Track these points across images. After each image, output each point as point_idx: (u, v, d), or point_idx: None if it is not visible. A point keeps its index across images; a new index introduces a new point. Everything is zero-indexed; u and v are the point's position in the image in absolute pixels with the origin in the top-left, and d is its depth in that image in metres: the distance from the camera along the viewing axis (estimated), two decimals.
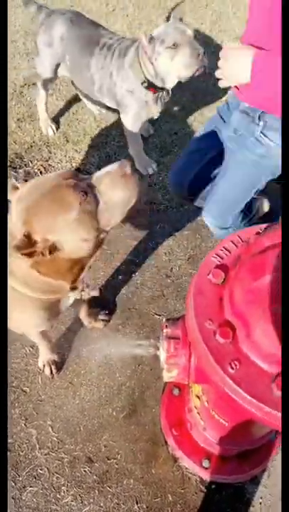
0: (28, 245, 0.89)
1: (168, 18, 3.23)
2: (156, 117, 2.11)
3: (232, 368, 0.74)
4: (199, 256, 1.97)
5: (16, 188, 0.98)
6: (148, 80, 1.86)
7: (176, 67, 1.79)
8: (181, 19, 1.83)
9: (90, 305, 1.62)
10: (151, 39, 1.73)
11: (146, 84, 1.87)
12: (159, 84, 1.87)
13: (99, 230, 0.99)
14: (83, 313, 1.64)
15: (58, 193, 0.93)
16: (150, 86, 1.88)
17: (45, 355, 1.58)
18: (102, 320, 1.71)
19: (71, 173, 0.98)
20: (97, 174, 1.00)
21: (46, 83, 2.24)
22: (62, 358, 1.64)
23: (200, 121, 2.57)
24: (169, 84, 1.89)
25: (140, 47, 1.83)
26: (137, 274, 1.91)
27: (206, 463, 1.35)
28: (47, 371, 1.59)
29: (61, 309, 1.25)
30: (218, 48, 3.10)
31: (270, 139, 1.38)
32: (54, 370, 1.59)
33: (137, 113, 2.02)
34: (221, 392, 0.77)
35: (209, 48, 2.96)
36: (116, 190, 0.98)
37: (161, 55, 1.76)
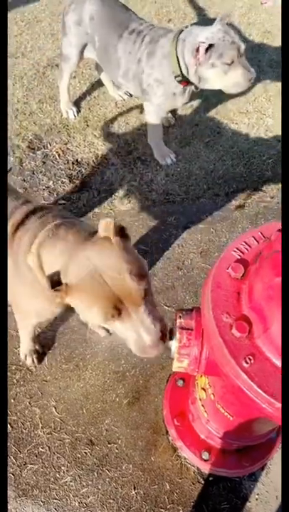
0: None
1: (197, 10, 3.17)
2: (180, 106, 2.09)
3: (246, 363, 0.74)
4: (212, 250, 1.96)
5: None
6: (182, 74, 1.84)
7: (225, 83, 1.83)
8: (229, 24, 1.80)
9: None
10: (208, 48, 1.71)
11: (180, 78, 1.86)
12: (194, 81, 1.86)
13: None
14: None
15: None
16: (183, 80, 1.86)
17: (27, 346, 1.56)
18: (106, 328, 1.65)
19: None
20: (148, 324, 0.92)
21: (70, 65, 2.22)
22: (43, 349, 1.63)
23: (222, 114, 2.54)
24: (206, 87, 1.89)
25: (180, 40, 1.80)
26: (148, 264, 1.90)
27: (205, 455, 1.36)
28: (29, 362, 1.58)
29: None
30: (246, 40, 3.05)
31: None
32: (36, 361, 1.58)
33: (161, 102, 2.00)
34: (232, 386, 0.77)
35: None
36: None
37: (215, 68, 1.77)
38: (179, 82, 1.88)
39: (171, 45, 1.83)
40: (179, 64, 1.82)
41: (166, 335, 0.93)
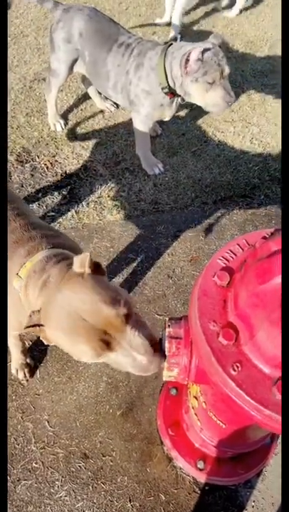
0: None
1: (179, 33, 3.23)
2: (167, 119, 2.12)
3: (234, 370, 0.74)
4: (202, 258, 1.98)
5: None
6: (169, 86, 1.87)
7: (206, 100, 1.86)
8: (220, 46, 1.82)
9: None
10: (198, 60, 1.73)
11: (166, 90, 1.89)
12: (180, 93, 1.89)
13: None
14: None
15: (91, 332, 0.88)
16: (170, 92, 1.90)
17: (17, 360, 1.55)
18: None
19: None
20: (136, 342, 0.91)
21: (58, 80, 2.24)
22: (35, 362, 1.62)
23: (208, 124, 2.58)
24: (190, 101, 1.92)
25: (169, 53, 1.83)
26: (138, 273, 1.91)
27: (200, 464, 1.36)
28: (20, 376, 1.57)
29: None
30: (230, 50, 3.11)
31: None
32: (28, 375, 1.57)
33: (149, 113, 2.03)
34: (221, 394, 0.78)
35: None
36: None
37: (197, 83, 1.80)
38: (166, 93, 1.91)
39: (159, 57, 1.86)
40: (166, 76, 1.85)
41: (158, 347, 0.93)
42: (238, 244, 0.91)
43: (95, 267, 0.94)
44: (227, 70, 1.80)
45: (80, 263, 0.93)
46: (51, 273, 0.98)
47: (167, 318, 1.00)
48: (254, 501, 1.39)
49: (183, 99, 1.95)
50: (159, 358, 0.92)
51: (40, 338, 0.93)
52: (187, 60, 1.75)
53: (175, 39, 3.11)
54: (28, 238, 1.12)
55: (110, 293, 0.90)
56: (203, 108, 1.92)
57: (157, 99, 1.95)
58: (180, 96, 1.93)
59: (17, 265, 1.06)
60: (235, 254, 0.89)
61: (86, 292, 0.89)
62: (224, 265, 0.88)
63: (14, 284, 1.03)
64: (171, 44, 1.87)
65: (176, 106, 2.03)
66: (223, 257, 0.89)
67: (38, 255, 1.05)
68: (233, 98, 1.85)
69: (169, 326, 0.98)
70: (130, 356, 0.90)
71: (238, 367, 0.74)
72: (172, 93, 1.91)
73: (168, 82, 1.87)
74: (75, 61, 2.15)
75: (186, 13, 3.48)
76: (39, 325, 0.91)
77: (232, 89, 1.86)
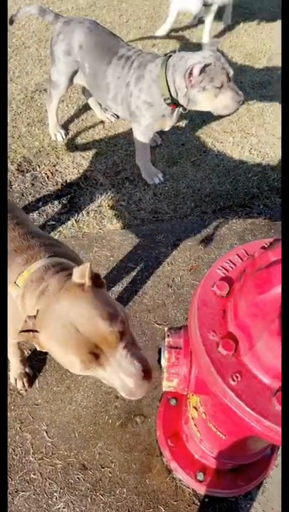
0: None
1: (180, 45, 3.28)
2: (167, 129, 2.14)
3: (233, 380, 0.74)
4: (202, 267, 1.98)
5: None
6: (172, 97, 1.90)
7: (215, 105, 1.89)
8: (218, 51, 1.87)
9: None
10: (202, 71, 1.76)
11: (169, 101, 1.92)
12: (183, 103, 1.91)
13: None
14: None
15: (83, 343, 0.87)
16: (172, 103, 1.92)
17: (16, 369, 1.54)
18: None
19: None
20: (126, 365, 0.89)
21: (59, 91, 2.27)
22: (34, 372, 1.62)
23: (207, 134, 2.60)
24: (195, 109, 1.94)
25: (170, 64, 1.86)
26: (138, 282, 1.92)
27: (200, 476, 1.34)
28: (19, 385, 1.56)
29: None
30: (228, 62, 3.15)
31: None
32: (26, 384, 1.57)
33: (150, 124, 2.05)
34: (220, 404, 0.78)
35: None
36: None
37: (206, 91, 1.83)
38: (168, 104, 1.94)
39: (160, 69, 1.89)
40: (168, 87, 1.88)
41: (150, 372, 0.91)
42: (237, 254, 0.92)
43: (95, 278, 0.95)
44: (232, 72, 1.84)
45: (81, 274, 0.93)
46: (50, 283, 0.98)
47: (166, 328, 1.00)
48: None
49: (185, 109, 1.97)
50: (148, 385, 0.90)
51: (33, 343, 0.93)
52: (190, 74, 1.77)
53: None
54: (26, 247, 1.13)
55: (108, 308, 0.90)
56: (212, 112, 1.94)
57: (159, 110, 1.97)
58: (182, 106, 1.95)
59: (15, 274, 1.06)
60: (234, 264, 0.90)
61: (84, 305, 0.89)
62: (223, 275, 0.88)
63: (12, 293, 1.04)
64: (171, 55, 1.89)
65: (176, 116, 2.06)
66: (222, 266, 0.90)
67: (35, 264, 1.05)
68: (242, 97, 1.89)
69: (168, 335, 0.98)
70: (119, 377, 0.89)
71: (237, 377, 0.74)
72: (175, 104, 1.94)
73: (170, 94, 1.89)
74: (75, 73, 2.17)
75: (185, 25, 3.53)
76: (33, 330, 0.91)
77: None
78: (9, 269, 1.08)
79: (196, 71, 1.76)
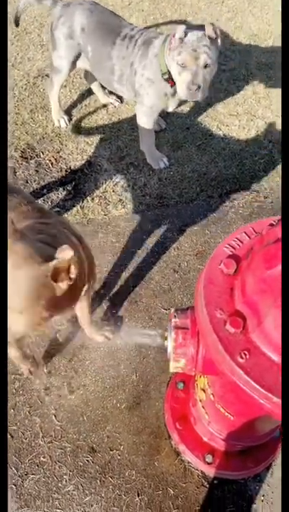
0: None
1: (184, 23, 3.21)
2: (170, 110, 2.11)
3: (242, 358, 0.73)
4: (208, 252, 1.96)
5: None
6: (169, 72, 1.85)
7: (178, 84, 1.84)
8: (210, 37, 1.76)
9: (91, 312, 1.55)
10: (180, 39, 1.72)
11: (166, 76, 1.87)
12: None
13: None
14: (85, 321, 1.56)
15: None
16: (170, 78, 1.87)
17: (18, 356, 1.51)
18: (104, 335, 1.63)
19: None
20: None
21: (61, 76, 2.23)
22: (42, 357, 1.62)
23: (212, 117, 2.56)
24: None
25: (168, 40, 1.82)
26: (144, 268, 1.90)
27: (209, 458, 1.34)
28: (26, 371, 1.57)
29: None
30: (234, 43, 3.08)
31: None
32: (32, 369, 1.56)
33: (153, 104, 2.01)
34: (229, 384, 0.77)
35: (225, 44, 2.95)
36: None
37: (173, 62, 1.79)
38: (166, 80, 1.89)
39: (162, 45, 1.85)
40: (166, 63, 1.84)
41: None
42: (245, 232, 0.90)
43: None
44: (203, 59, 1.73)
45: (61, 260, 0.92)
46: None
47: (173, 309, 0.99)
48: (263, 495, 1.38)
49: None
50: None
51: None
52: (173, 37, 1.74)
53: None
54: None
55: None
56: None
57: (160, 87, 1.93)
58: None
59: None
60: (241, 242, 0.88)
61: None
62: (231, 253, 0.87)
63: None
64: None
65: (179, 97, 2.01)
66: (229, 244, 0.88)
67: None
68: (194, 92, 1.77)
69: (175, 316, 0.97)
70: None
71: (245, 355, 0.73)
72: (172, 80, 1.89)
73: (168, 69, 1.85)
74: (77, 57, 2.13)
75: (190, 6, 3.45)
76: None
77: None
78: None
79: (176, 34, 1.71)
